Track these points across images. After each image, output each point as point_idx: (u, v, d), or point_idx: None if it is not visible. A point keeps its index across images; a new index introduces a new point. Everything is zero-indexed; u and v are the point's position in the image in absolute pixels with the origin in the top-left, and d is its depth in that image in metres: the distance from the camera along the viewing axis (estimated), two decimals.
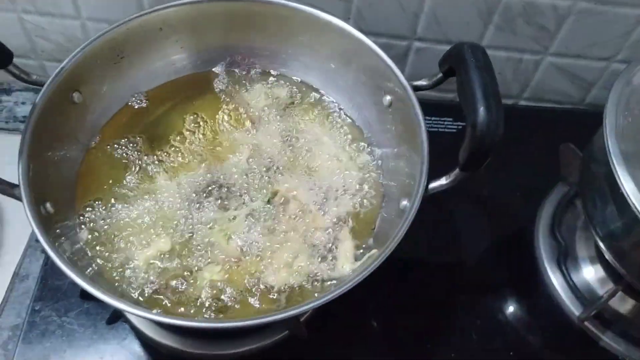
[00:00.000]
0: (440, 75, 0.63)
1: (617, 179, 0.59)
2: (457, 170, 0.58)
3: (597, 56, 0.89)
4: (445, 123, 0.90)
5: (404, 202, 0.63)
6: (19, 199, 0.56)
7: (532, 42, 0.87)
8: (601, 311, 0.74)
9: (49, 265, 0.54)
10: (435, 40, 0.87)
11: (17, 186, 0.57)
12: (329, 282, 0.63)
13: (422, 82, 0.65)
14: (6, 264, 0.78)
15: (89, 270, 0.61)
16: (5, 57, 0.59)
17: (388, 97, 0.69)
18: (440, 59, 0.62)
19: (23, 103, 0.96)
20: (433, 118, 0.90)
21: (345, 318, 0.73)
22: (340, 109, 0.76)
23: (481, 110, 0.53)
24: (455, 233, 0.83)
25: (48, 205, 0.60)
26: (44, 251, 0.59)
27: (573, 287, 0.77)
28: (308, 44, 0.75)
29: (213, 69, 0.78)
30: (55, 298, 0.72)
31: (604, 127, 0.63)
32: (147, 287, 0.61)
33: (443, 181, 0.59)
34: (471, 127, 0.53)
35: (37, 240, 0.55)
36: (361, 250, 0.65)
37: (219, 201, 0.68)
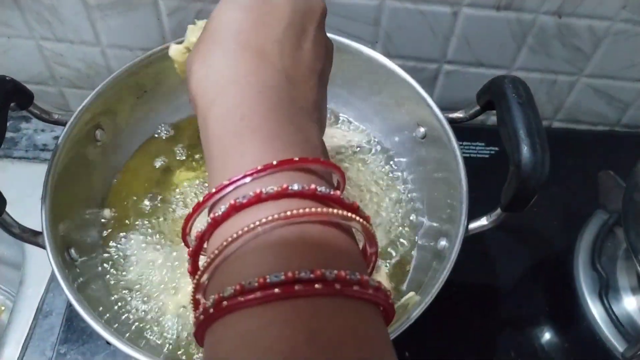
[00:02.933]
0: (478, 108, 0.60)
1: None
2: (498, 211, 0.55)
3: (635, 77, 0.86)
4: (478, 148, 0.88)
5: (443, 242, 0.60)
6: (43, 247, 0.54)
7: (567, 64, 0.84)
8: None
9: (73, 306, 0.52)
10: (466, 62, 0.85)
11: (40, 234, 0.55)
12: None
13: (459, 115, 0.63)
14: (29, 298, 0.77)
15: (114, 318, 0.59)
16: (26, 98, 0.57)
17: (422, 129, 0.67)
18: (478, 91, 0.60)
19: (43, 131, 0.95)
20: (464, 143, 0.87)
21: None
22: (373, 140, 0.74)
23: (525, 149, 0.50)
24: (491, 262, 0.80)
25: (73, 250, 0.59)
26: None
27: (615, 320, 0.74)
28: (336, 74, 0.72)
29: None
30: (81, 340, 0.70)
31: None
32: (177, 336, 0.59)
33: (484, 222, 0.57)
34: (515, 167, 0.51)
35: None
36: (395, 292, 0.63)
37: None
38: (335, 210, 0.31)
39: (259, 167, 0.31)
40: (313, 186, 0.31)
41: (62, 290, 0.74)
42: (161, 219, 0.67)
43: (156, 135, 0.73)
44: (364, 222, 0.32)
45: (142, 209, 0.68)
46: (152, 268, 0.63)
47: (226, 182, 0.31)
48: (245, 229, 0.29)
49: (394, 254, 0.66)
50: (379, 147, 0.74)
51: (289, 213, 0.29)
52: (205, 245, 0.33)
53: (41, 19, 0.81)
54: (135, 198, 0.69)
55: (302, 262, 0.29)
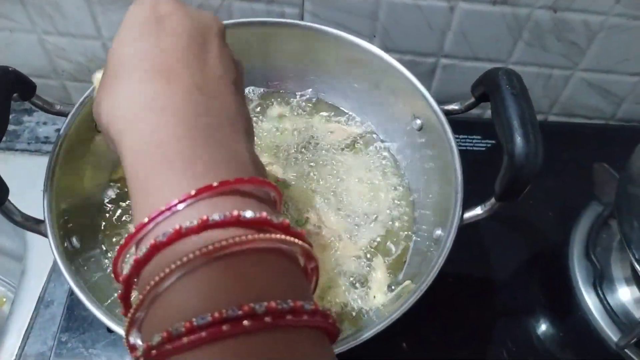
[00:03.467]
0: (473, 100, 0.61)
1: None
2: (492, 200, 0.56)
3: (629, 71, 0.87)
4: (474, 141, 0.88)
5: (438, 232, 0.61)
6: (45, 235, 0.55)
7: (563, 58, 0.85)
8: None
9: (75, 295, 0.53)
10: (463, 57, 0.85)
11: (43, 222, 0.56)
12: (361, 313, 0.61)
13: (454, 107, 0.63)
14: (30, 288, 0.78)
15: (115, 305, 0.59)
16: (29, 89, 0.58)
17: (418, 121, 0.68)
18: (472, 83, 0.60)
19: (45, 123, 0.96)
20: (461, 136, 0.88)
21: (374, 339, 0.71)
22: (370, 132, 0.75)
23: (518, 140, 0.51)
24: (486, 253, 0.81)
25: (74, 239, 0.59)
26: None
27: (609, 310, 0.75)
28: (336, 66, 0.73)
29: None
30: (82, 329, 0.71)
31: None
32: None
33: (479, 211, 0.58)
34: (508, 157, 0.52)
35: None
36: (392, 281, 0.64)
37: None
38: (260, 235, 0.29)
39: (176, 201, 0.30)
40: (236, 212, 0.29)
41: (64, 280, 0.75)
42: None
43: None
44: (296, 240, 0.31)
45: None
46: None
47: (145, 221, 0.30)
48: (167, 270, 0.28)
49: (391, 245, 0.66)
50: (376, 139, 0.74)
51: (210, 247, 0.28)
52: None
53: (43, 13, 0.82)
54: None
55: (229, 299, 0.27)
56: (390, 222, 0.68)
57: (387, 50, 0.69)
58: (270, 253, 0.30)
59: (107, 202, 0.68)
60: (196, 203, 0.30)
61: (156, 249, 0.29)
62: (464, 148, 0.88)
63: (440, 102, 0.64)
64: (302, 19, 0.81)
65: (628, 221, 0.67)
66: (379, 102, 0.73)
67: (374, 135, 0.75)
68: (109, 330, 0.69)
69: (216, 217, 0.29)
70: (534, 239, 0.83)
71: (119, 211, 0.68)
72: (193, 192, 0.30)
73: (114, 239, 0.65)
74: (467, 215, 0.58)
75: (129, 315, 0.30)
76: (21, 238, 0.83)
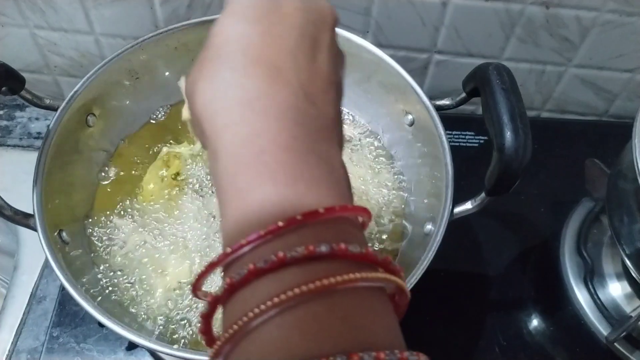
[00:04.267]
0: (464, 95, 0.61)
1: None
2: (482, 195, 0.56)
3: (622, 68, 0.87)
4: (467, 137, 0.89)
5: (429, 226, 0.61)
6: (34, 229, 0.55)
7: (555, 54, 0.85)
8: (630, 331, 0.72)
9: (66, 290, 0.53)
10: (456, 52, 0.85)
11: (32, 216, 0.56)
12: None
13: (445, 102, 0.64)
14: (23, 284, 0.78)
15: (106, 299, 0.60)
16: (17, 83, 0.58)
17: (410, 116, 0.68)
18: (464, 79, 0.61)
19: (37, 119, 0.95)
20: (454, 132, 0.88)
21: None
22: (362, 127, 0.75)
23: (508, 134, 0.51)
24: (478, 247, 0.81)
25: (64, 233, 0.59)
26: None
27: (599, 305, 0.75)
28: None
29: None
30: (74, 324, 0.71)
31: (633, 144, 0.61)
32: (166, 317, 0.60)
33: (469, 205, 0.58)
34: (498, 151, 0.52)
35: None
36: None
37: None
38: (368, 274, 0.27)
39: (281, 224, 0.27)
40: (343, 246, 0.27)
41: (56, 275, 0.75)
42: (150, 200, 0.68)
43: (151, 121, 0.74)
44: (398, 280, 0.29)
45: (132, 191, 0.69)
46: (140, 250, 0.64)
47: (244, 242, 0.28)
48: (269, 303, 0.26)
49: (382, 240, 0.66)
50: (367, 134, 0.74)
51: (318, 284, 0.26)
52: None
53: (35, 8, 0.82)
54: (126, 181, 0.69)
55: (336, 343, 0.25)
56: (383, 217, 0.68)
57: (380, 46, 0.69)
58: (371, 291, 0.28)
59: (97, 194, 0.68)
60: (300, 229, 0.28)
61: (254, 274, 0.27)
62: (457, 144, 0.88)
63: (433, 99, 0.64)
64: None
65: (618, 216, 0.67)
66: (371, 97, 0.73)
67: (367, 131, 0.75)
68: (100, 325, 0.69)
69: (323, 248, 0.27)
70: (526, 235, 0.83)
71: (108, 201, 0.68)
72: (299, 217, 0.27)
73: (103, 232, 0.65)
74: (458, 209, 0.58)
75: (216, 347, 0.28)
76: (14, 234, 0.83)
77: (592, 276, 0.77)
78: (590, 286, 0.76)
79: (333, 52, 0.36)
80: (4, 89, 0.55)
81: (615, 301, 0.76)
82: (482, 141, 0.88)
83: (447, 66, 0.88)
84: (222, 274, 0.30)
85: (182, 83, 0.48)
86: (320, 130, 0.32)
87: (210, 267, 0.29)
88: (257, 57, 0.32)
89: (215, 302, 0.28)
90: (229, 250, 0.28)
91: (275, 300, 0.25)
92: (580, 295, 0.77)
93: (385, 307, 0.29)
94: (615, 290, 0.77)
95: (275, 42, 0.33)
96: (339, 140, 0.35)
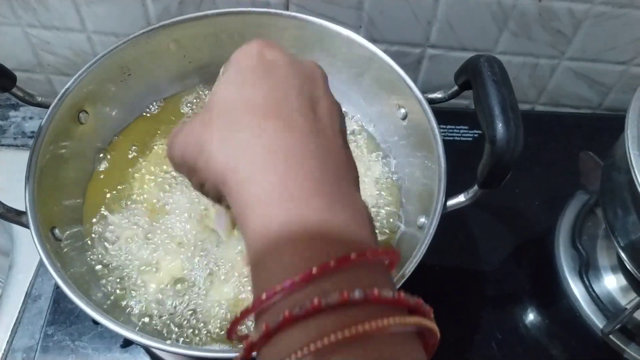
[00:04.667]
0: (456, 88, 0.61)
1: (638, 188, 0.57)
2: (475, 187, 0.56)
3: (615, 60, 0.87)
4: (461, 131, 0.88)
5: (422, 220, 0.61)
6: (27, 226, 0.55)
7: (548, 47, 0.85)
8: (625, 323, 0.72)
9: (60, 288, 0.53)
10: (449, 47, 0.85)
11: (25, 213, 0.56)
12: None
13: (438, 95, 0.63)
14: (18, 283, 0.78)
15: (100, 296, 0.59)
16: (8, 80, 0.57)
17: (403, 110, 0.68)
18: (455, 71, 0.60)
19: (31, 118, 0.95)
20: (448, 126, 0.88)
21: None
22: (354, 121, 0.75)
23: (499, 126, 0.51)
24: (473, 242, 0.81)
25: (57, 230, 0.59)
26: None
27: (595, 298, 0.75)
28: (320, 56, 0.73)
29: None
30: (68, 322, 0.71)
31: (626, 136, 0.61)
32: (160, 312, 0.60)
33: (462, 198, 0.58)
34: (490, 143, 0.52)
35: None
36: None
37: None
38: (402, 320, 0.28)
39: (315, 271, 0.28)
40: (376, 291, 0.28)
41: (51, 274, 0.75)
42: (144, 196, 0.68)
43: (144, 114, 0.74)
44: (429, 323, 0.30)
45: (125, 187, 0.69)
46: (132, 246, 0.64)
47: (278, 288, 0.28)
48: (306, 350, 0.26)
49: (377, 230, 0.66)
50: (360, 129, 0.74)
51: (353, 331, 0.26)
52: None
53: (27, 6, 0.82)
54: (119, 177, 0.69)
55: None
56: (376, 211, 0.68)
57: (373, 41, 0.69)
58: (404, 333, 0.29)
59: (89, 191, 0.68)
60: (333, 274, 0.28)
61: (290, 321, 0.27)
62: (451, 138, 0.88)
63: (427, 93, 0.64)
64: (287, 9, 0.80)
65: (612, 209, 0.67)
66: (364, 92, 0.73)
67: (360, 126, 0.75)
68: (95, 323, 0.69)
69: (357, 294, 0.27)
70: (521, 228, 0.83)
71: (100, 198, 0.68)
72: (332, 264, 0.28)
73: (96, 228, 0.65)
74: (451, 202, 0.58)
75: None
76: (8, 233, 0.83)
77: (587, 269, 0.77)
78: (586, 279, 0.76)
79: (330, 104, 0.38)
80: None
81: (610, 294, 0.76)
82: (476, 135, 0.88)
83: (441, 60, 0.88)
84: (254, 318, 0.30)
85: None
86: (339, 174, 0.34)
87: (244, 314, 0.30)
88: (266, 114, 0.34)
89: (251, 347, 0.29)
90: (264, 297, 0.29)
91: (312, 347, 0.26)
92: (576, 288, 0.77)
93: (417, 349, 0.30)
94: (610, 282, 0.77)
95: (279, 102, 0.35)
96: (356, 181, 0.37)
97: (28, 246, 0.80)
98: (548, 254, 0.80)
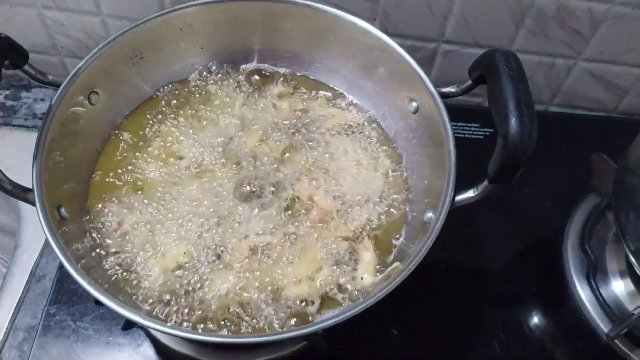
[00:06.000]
0: (470, 82, 0.61)
1: None
2: (485, 183, 0.55)
3: (633, 63, 0.86)
4: (472, 129, 0.88)
5: (429, 214, 0.60)
6: (33, 203, 0.55)
7: (565, 46, 0.84)
8: (631, 329, 0.71)
9: (64, 269, 0.53)
10: (464, 43, 0.85)
11: (31, 190, 0.56)
12: (349, 293, 0.61)
13: (451, 89, 0.63)
14: (23, 262, 0.78)
15: (103, 278, 0.59)
16: (21, 57, 0.57)
17: (414, 104, 0.67)
18: (470, 65, 0.60)
19: (42, 100, 0.95)
20: (459, 124, 0.88)
21: (365, 325, 0.71)
22: (365, 113, 0.74)
23: (513, 121, 0.50)
24: (481, 241, 0.81)
25: (62, 209, 0.59)
26: None
27: (601, 302, 0.74)
28: (333, 46, 0.73)
29: (233, 70, 0.76)
30: (71, 302, 0.71)
31: None
32: (162, 296, 0.59)
33: (470, 194, 0.57)
34: (502, 138, 0.51)
35: None
36: (381, 263, 0.64)
37: (238, 202, 0.66)
38: None
39: None
40: None
41: (56, 255, 0.75)
42: (149, 181, 0.68)
43: (153, 97, 0.74)
44: None
45: (132, 169, 0.69)
46: (137, 230, 0.64)
47: None
48: None
49: (382, 227, 0.66)
50: (371, 120, 0.74)
51: None
52: None
53: None
54: (125, 159, 0.69)
55: None
56: (383, 204, 0.67)
57: (387, 33, 0.68)
58: None
59: (96, 172, 0.68)
60: None
61: None
62: (462, 135, 0.87)
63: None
64: None
65: (624, 212, 0.67)
66: (376, 83, 0.72)
67: (371, 118, 0.74)
68: (97, 303, 0.69)
69: None
70: (530, 229, 0.82)
71: (107, 180, 0.68)
72: None
73: (101, 210, 0.65)
74: (459, 197, 0.57)
75: None
76: (15, 213, 0.83)
77: (595, 272, 0.76)
78: (593, 282, 0.76)
79: None
80: (6, 62, 0.55)
81: (617, 298, 0.75)
82: (487, 133, 0.87)
83: (455, 56, 0.87)
84: None
85: None
86: None
87: None
88: None
89: None
90: None
91: None
92: (582, 291, 0.76)
93: None
94: (618, 287, 0.76)
95: None
96: None
97: (34, 226, 0.80)
98: (556, 256, 0.79)
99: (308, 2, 0.69)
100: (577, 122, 0.95)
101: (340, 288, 0.61)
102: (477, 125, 0.88)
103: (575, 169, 0.85)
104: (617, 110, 0.95)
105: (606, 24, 0.80)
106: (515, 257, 0.80)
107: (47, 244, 0.79)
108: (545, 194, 0.84)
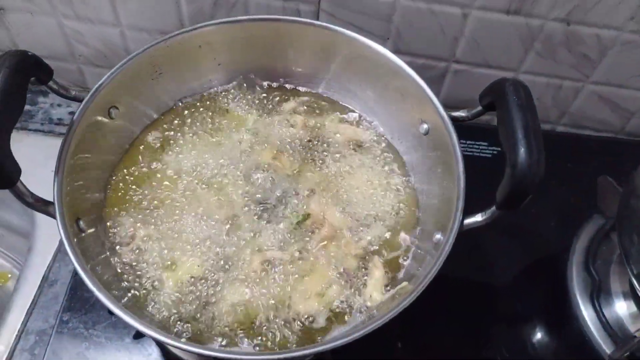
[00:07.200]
0: (480, 108, 0.62)
1: None
2: (493, 208, 0.57)
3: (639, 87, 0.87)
4: (481, 147, 0.89)
5: (438, 236, 0.62)
6: (53, 216, 0.57)
7: (573, 70, 0.85)
8: (634, 351, 0.72)
9: (79, 276, 0.54)
10: (474, 63, 0.86)
11: (52, 204, 0.57)
12: (358, 310, 0.62)
13: (461, 114, 0.64)
14: (36, 266, 0.80)
15: (118, 291, 0.61)
16: (47, 74, 0.59)
17: (425, 125, 0.69)
18: (481, 92, 0.61)
19: (59, 105, 0.97)
20: (468, 142, 0.89)
21: (370, 339, 0.72)
22: (376, 131, 0.76)
23: (522, 150, 0.52)
24: (486, 260, 0.82)
25: (81, 222, 0.61)
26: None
27: (604, 323, 0.75)
28: (346, 66, 0.74)
29: (249, 86, 0.78)
30: (84, 310, 0.72)
31: None
32: (175, 309, 0.61)
33: (479, 218, 0.58)
34: (511, 167, 0.52)
35: None
36: (390, 282, 0.65)
37: (251, 218, 0.67)
38: None
39: None
40: None
41: (69, 260, 0.76)
42: (159, 193, 0.69)
43: (170, 112, 0.76)
44: None
45: (146, 183, 0.70)
46: (150, 243, 0.65)
47: None
48: None
49: (391, 246, 0.67)
50: (382, 141, 0.75)
51: None
52: None
53: None
54: (140, 173, 0.71)
55: None
56: (393, 223, 0.68)
57: (399, 52, 0.70)
58: None
59: (113, 184, 0.69)
60: None
61: None
62: (470, 154, 0.88)
63: (448, 107, 0.65)
64: (317, 17, 0.81)
65: (628, 235, 0.68)
66: (388, 104, 0.73)
67: (382, 137, 0.75)
68: (110, 313, 0.70)
69: None
70: (535, 248, 0.83)
71: (122, 192, 0.69)
72: None
73: (117, 223, 0.66)
74: (467, 221, 0.58)
75: None
76: (29, 216, 0.84)
77: (598, 293, 0.77)
78: (596, 303, 0.76)
79: None
80: (32, 79, 0.56)
81: (620, 320, 0.76)
82: (495, 152, 0.88)
83: (465, 76, 0.88)
84: None
85: None
86: None
87: None
88: None
89: None
90: None
91: None
92: (586, 311, 0.77)
93: None
94: (621, 308, 0.76)
95: None
96: None
97: (48, 230, 0.82)
98: (560, 275, 0.80)
99: (324, 24, 0.71)
100: (584, 142, 0.96)
101: (350, 305, 0.62)
102: (486, 143, 0.89)
103: (580, 189, 0.86)
104: (624, 131, 0.96)
105: (615, 49, 0.81)
106: (520, 275, 0.81)
107: (59, 249, 0.80)
108: (551, 213, 0.85)
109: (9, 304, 0.76)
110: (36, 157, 0.73)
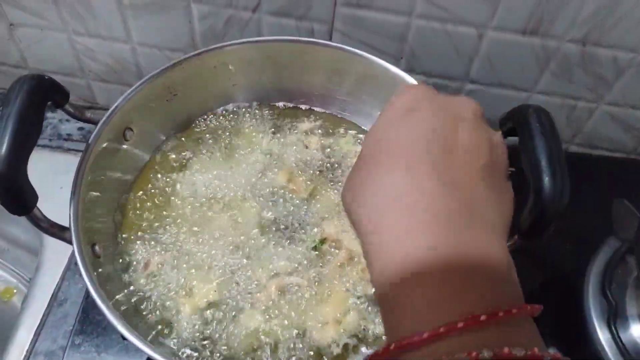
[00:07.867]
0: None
1: None
2: (516, 237, 0.56)
3: None
4: None
5: None
6: (69, 242, 0.56)
7: (588, 90, 0.85)
8: None
9: (90, 299, 0.53)
10: (488, 83, 0.85)
11: (68, 229, 0.56)
12: (376, 337, 0.62)
13: None
14: (44, 285, 0.78)
15: (131, 315, 0.60)
16: (63, 97, 0.58)
17: None
18: (502, 117, 0.60)
19: (67, 121, 0.96)
20: None
21: None
22: None
23: (547, 179, 0.51)
24: None
25: (97, 247, 0.60)
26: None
27: (621, 347, 0.74)
28: (362, 87, 0.74)
29: (264, 107, 0.77)
30: (96, 333, 0.72)
31: None
32: (190, 336, 0.60)
33: None
34: (535, 195, 0.52)
35: (77, 264, 0.55)
36: None
37: (266, 241, 0.67)
38: None
39: (442, 330, 0.30)
40: (506, 350, 0.29)
41: (78, 279, 0.76)
42: (174, 216, 0.69)
43: (184, 133, 0.75)
44: None
45: (160, 206, 0.69)
46: (165, 269, 0.65)
47: (411, 340, 0.30)
48: None
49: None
50: None
51: None
52: None
53: (74, 13, 0.83)
54: (154, 196, 0.70)
55: None
56: None
57: (413, 72, 0.70)
58: None
59: (127, 207, 0.69)
60: (463, 333, 0.30)
61: None
62: None
63: None
64: (330, 37, 0.81)
65: None
66: None
67: None
68: (122, 338, 0.70)
69: (486, 354, 0.28)
70: (550, 271, 0.83)
71: (136, 215, 0.68)
72: (460, 325, 0.29)
73: (131, 247, 0.66)
74: None
75: None
76: (37, 232, 0.83)
77: (615, 317, 0.76)
78: (613, 327, 0.76)
79: (474, 138, 0.39)
80: (49, 103, 0.56)
81: (637, 344, 0.75)
82: (509, 171, 0.87)
83: (479, 96, 0.87)
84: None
85: None
86: (471, 217, 0.35)
87: (374, 357, 0.32)
88: (392, 158, 0.37)
89: None
90: (392, 347, 0.31)
91: None
92: (602, 335, 0.76)
93: None
94: (638, 332, 0.76)
95: (407, 144, 0.37)
96: (494, 223, 0.37)
97: (56, 248, 0.81)
98: (576, 299, 0.79)
99: (340, 45, 0.70)
100: (598, 162, 0.95)
101: (367, 332, 0.62)
102: None
103: (595, 210, 0.85)
104: (637, 151, 0.95)
105: (630, 71, 0.80)
106: (536, 299, 0.78)
107: (68, 267, 0.79)
108: (566, 235, 0.84)
109: (17, 323, 0.75)
110: (44, 173, 0.72)
